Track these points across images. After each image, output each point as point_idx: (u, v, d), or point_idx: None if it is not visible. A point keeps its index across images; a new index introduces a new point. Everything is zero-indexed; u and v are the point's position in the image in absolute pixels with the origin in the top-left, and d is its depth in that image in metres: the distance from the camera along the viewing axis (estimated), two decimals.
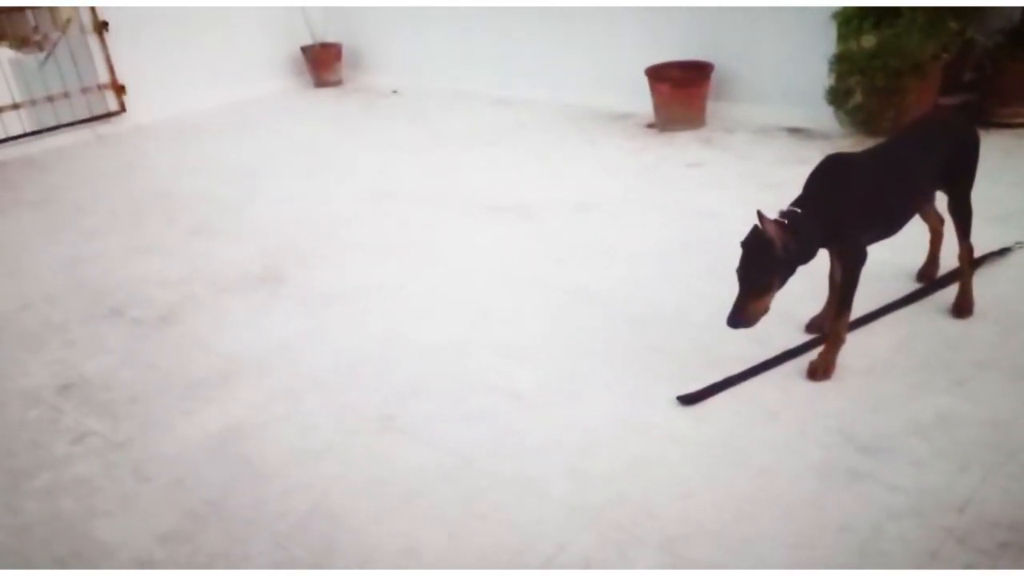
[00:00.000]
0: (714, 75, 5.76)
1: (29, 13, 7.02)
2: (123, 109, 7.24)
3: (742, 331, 2.77)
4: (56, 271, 4.46)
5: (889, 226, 2.95)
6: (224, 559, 2.35)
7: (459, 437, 2.78)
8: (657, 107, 5.88)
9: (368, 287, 3.94)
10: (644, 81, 5.86)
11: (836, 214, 2.75)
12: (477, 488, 2.53)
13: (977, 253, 3.24)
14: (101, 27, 6.98)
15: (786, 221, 2.66)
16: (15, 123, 6.76)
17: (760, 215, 2.59)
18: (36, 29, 7.02)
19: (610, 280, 3.75)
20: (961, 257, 3.16)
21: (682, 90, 5.76)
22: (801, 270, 2.72)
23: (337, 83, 8.24)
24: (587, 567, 2.20)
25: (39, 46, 7.02)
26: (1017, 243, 3.59)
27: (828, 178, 2.81)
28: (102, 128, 7.14)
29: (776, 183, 4.45)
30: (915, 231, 3.19)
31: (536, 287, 3.77)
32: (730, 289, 2.68)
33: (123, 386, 3.29)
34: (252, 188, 5.51)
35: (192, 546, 2.41)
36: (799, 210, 2.71)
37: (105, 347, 3.61)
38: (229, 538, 2.42)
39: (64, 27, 6.95)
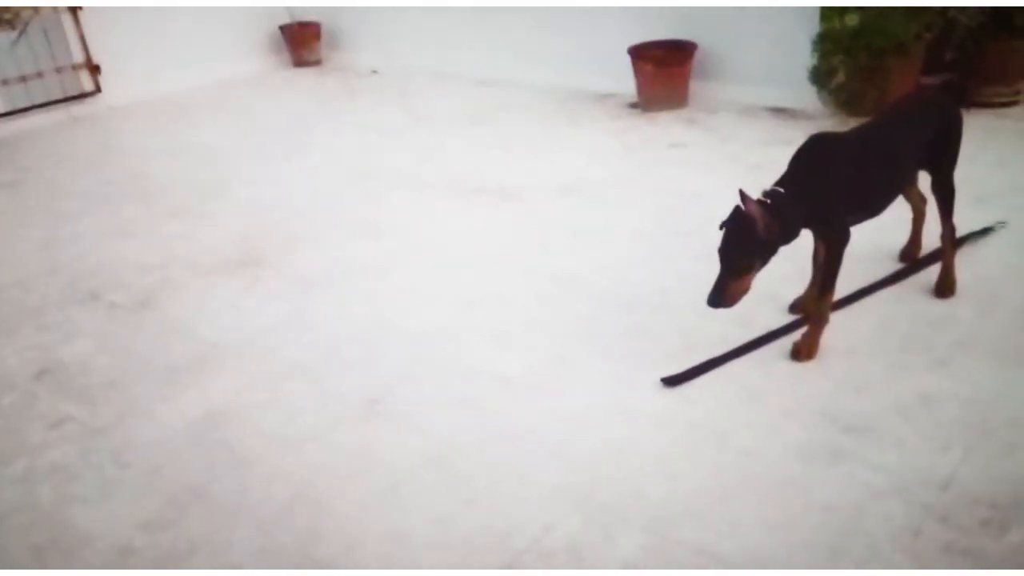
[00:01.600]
0: (697, 54, 5.73)
1: None
2: (98, 89, 7.11)
3: (726, 313, 2.76)
4: (30, 254, 4.38)
5: (873, 206, 2.95)
6: (207, 546, 2.32)
7: (444, 422, 2.76)
8: (640, 87, 5.85)
9: (350, 271, 3.90)
10: (627, 61, 5.82)
11: (820, 194, 2.75)
12: (462, 473, 2.52)
13: (959, 233, 3.25)
14: (75, 7, 6.84)
15: (768, 201, 2.65)
16: None
17: (742, 195, 2.58)
18: (7, 8, 6.86)
19: (594, 263, 3.74)
20: (943, 237, 3.17)
21: (665, 70, 5.73)
22: (784, 251, 2.71)
23: (316, 63, 8.13)
24: (573, 549, 2.20)
25: (11, 25, 6.85)
26: (999, 223, 3.61)
27: (812, 158, 2.80)
28: (77, 109, 7.01)
29: (759, 163, 4.44)
30: (898, 211, 3.19)
31: (520, 271, 3.75)
32: (714, 271, 2.67)
33: (100, 371, 3.24)
34: (230, 170, 5.43)
35: (174, 533, 2.38)
36: (782, 190, 2.70)
37: (82, 332, 3.55)
38: (212, 525, 2.40)
39: (36, 6, 6.80)
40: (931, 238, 3.30)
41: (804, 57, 5.04)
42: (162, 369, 3.21)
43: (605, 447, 2.57)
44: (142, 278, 3.98)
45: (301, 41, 8.05)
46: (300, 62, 8.11)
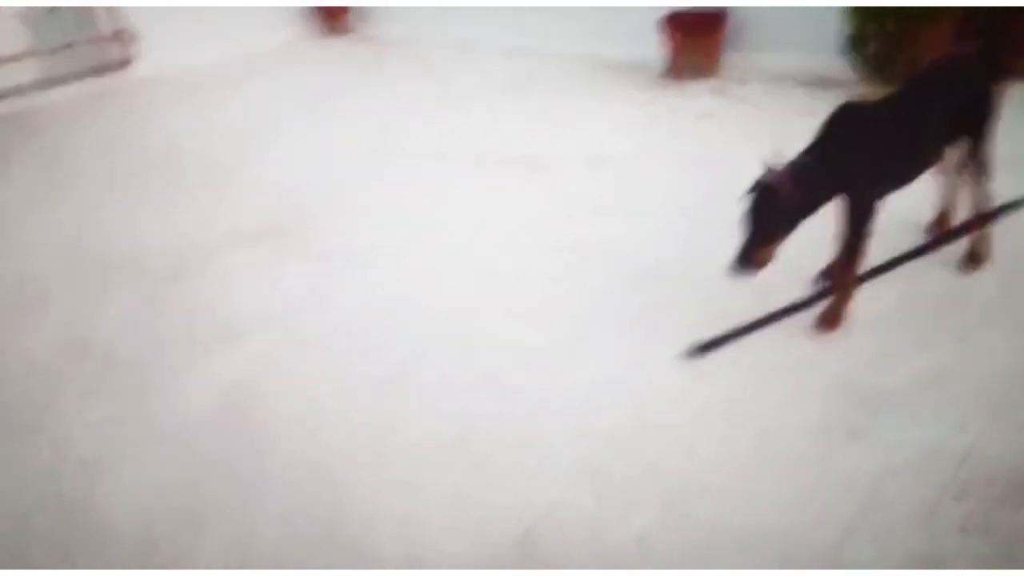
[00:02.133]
0: (728, 23, 5.62)
1: None
2: (130, 61, 7.17)
3: (750, 285, 2.75)
4: (59, 227, 4.45)
5: (903, 176, 2.89)
6: (229, 521, 2.38)
7: (464, 401, 2.77)
8: (670, 56, 5.76)
9: (374, 246, 3.92)
10: (654, 30, 5.73)
11: (848, 164, 2.70)
12: (482, 450, 2.54)
13: (991, 205, 3.18)
14: None
15: (794, 170, 2.61)
16: (22, 74, 6.70)
17: (767, 163, 2.55)
18: None
19: (619, 235, 3.72)
20: (975, 208, 3.10)
21: (695, 39, 5.62)
22: (811, 222, 2.68)
23: (346, 33, 8.12)
24: (589, 524, 2.22)
25: None
26: None
27: (840, 127, 2.75)
28: (107, 81, 7.08)
29: (790, 134, 4.31)
30: (926, 182, 3.12)
31: (545, 244, 3.74)
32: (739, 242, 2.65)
33: (127, 347, 3.29)
34: (259, 143, 5.46)
35: (195, 503, 2.44)
36: (808, 159, 2.66)
37: (108, 306, 3.61)
38: (233, 500, 2.44)
39: None
40: (962, 210, 3.23)
41: (835, 25, 4.92)
42: (189, 343, 3.26)
43: (623, 423, 2.58)
44: (168, 253, 4.03)
45: (332, 11, 8.04)
46: (330, 32, 8.11)
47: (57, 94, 6.82)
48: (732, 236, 2.66)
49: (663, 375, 2.77)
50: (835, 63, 5.10)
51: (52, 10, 6.80)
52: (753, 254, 2.64)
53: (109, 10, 6.98)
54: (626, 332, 3.02)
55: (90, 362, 3.22)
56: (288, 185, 4.73)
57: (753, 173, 2.64)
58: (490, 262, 3.65)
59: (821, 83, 5.21)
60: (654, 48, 5.82)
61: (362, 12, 8.09)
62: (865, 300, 2.91)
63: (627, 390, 2.73)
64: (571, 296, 3.30)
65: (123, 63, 7.15)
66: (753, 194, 2.64)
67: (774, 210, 2.60)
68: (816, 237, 2.93)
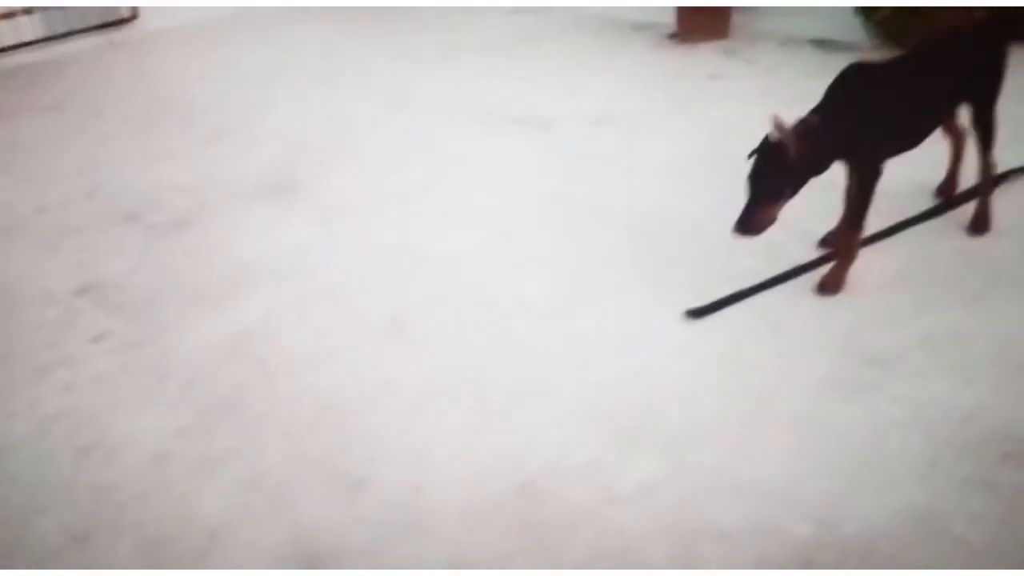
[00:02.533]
0: None
1: None
2: (136, 15, 7.12)
3: (755, 246, 2.76)
4: (71, 175, 4.46)
5: (910, 139, 2.89)
6: (238, 453, 2.42)
7: (467, 344, 2.81)
8: (680, 17, 5.71)
9: (380, 197, 3.93)
10: None
11: (853, 124, 2.70)
12: (484, 393, 2.58)
13: (999, 170, 3.18)
14: None
15: (801, 129, 2.61)
16: (27, 28, 6.67)
17: (775, 120, 2.55)
18: None
19: (625, 194, 3.72)
20: (982, 172, 3.10)
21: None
22: (816, 184, 2.68)
23: None
24: (590, 469, 2.25)
25: None
26: None
27: (848, 87, 2.74)
28: (115, 34, 7.03)
29: (800, 97, 4.26)
30: (935, 146, 3.12)
31: (550, 200, 3.75)
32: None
33: (138, 289, 3.33)
34: (266, 96, 5.44)
35: (207, 440, 2.48)
36: (816, 118, 2.65)
37: (120, 251, 3.64)
38: (243, 434, 2.49)
39: None
40: (969, 175, 3.23)
41: None
42: (197, 288, 3.29)
43: (626, 373, 2.61)
44: (178, 200, 4.05)
45: None
46: None
47: (66, 47, 6.78)
48: (738, 196, 2.67)
49: (666, 329, 2.79)
50: (847, 26, 5.06)
51: None
52: (757, 214, 2.65)
53: None
54: (630, 287, 3.04)
55: (101, 303, 3.24)
56: (295, 136, 4.73)
57: (760, 134, 2.64)
58: (495, 216, 3.66)
59: (832, 46, 5.17)
60: (664, 8, 5.77)
61: None
62: (872, 262, 2.92)
63: (630, 342, 2.75)
64: (575, 251, 3.32)
65: (130, 16, 7.10)
66: (759, 153, 2.63)
67: (780, 169, 2.60)
68: (824, 200, 2.93)
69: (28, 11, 6.65)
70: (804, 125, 2.63)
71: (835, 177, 2.75)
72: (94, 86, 5.95)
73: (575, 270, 3.19)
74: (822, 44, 5.25)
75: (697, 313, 2.85)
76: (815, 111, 2.71)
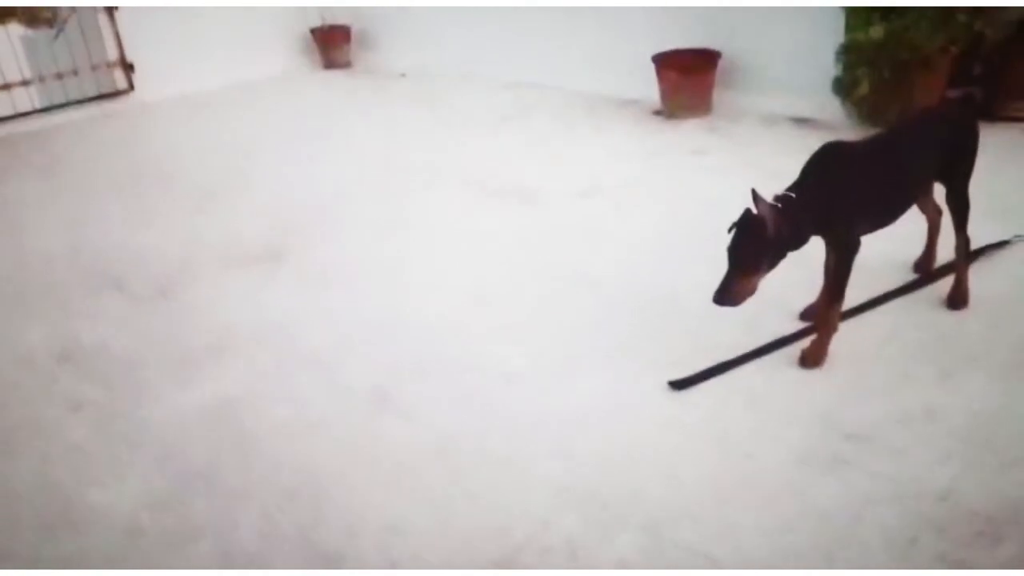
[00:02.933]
0: (721, 63, 5.74)
1: None
2: (131, 87, 7.26)
3: (735, 318, 2.78)
4: (58, 238, 4.49)
5: (885, 216, 2.94)
6: (212, 528, 2.38)
7: (449, 416, 2.80)
8: (664, 94, 5.86)
9: (368, 266, 3.96)
10: (652, 68, 5.84)
11: (831, 201, 2.75)
12: (465, 467, 2.56)
13: (975, 246, 3.24)
14: (111, 7, 6.99)
15: (780, 204, 2.66)
16: (24, 99, 6.80)
17: (755, 194, 2.60)
18: (47, 7, 7.04)
19: (608, 265, 3.76)
20: (957, 249, 3.15)
21: (689, 77, 5.73)
22: (796, 258, 2.72)
23: (346, 64, 8.24)
24: (570, 546, 2.22)
25: (49, 23, 7.04)
26: (1016, 236, 3.58)
27: (825, 164, 2.81)
28: (110, 105, 7.17)
29: (780, 172, 4.36)
30: (913, 222, 3.18)
31: (535, 270, 3.78)
32: None
33: (118, 355, 3.32)
34: (256, 166, 5.53)
35: (181, 514, 2.44)
36: (794, 194, 2.71)
37: (102, 315, 3.64)
38: (217, 508, 2.45)
39: (74, 5, 6.97)
40: (947, 250, 3.28)
41: (827, 68, 5.03)
42: (178, 356, 3.28)
43: (607, 447, 2.59)
44: (163, 266, 4.08)
45: (331, 43, 8.16)
46: (330, 64, 8.23)
47: (62, 117, 6.90)
48: (721, 269, 2.70)
49: (648, 402, 2.79)
50: (826, 105, 5.20)
51: (56, 37, 6.90)
52: (736, 285, 2.68)
53: (111, 38, 7.07)
54: (612, 358, 3.05)
55: (79, 370, 3.23)
56: (284, 205, 4.79)
57: (742, 207, 2.69)
58: (479, 285, 3.69)
59: (811, 124, 5.30)
60: (649, 86, 5.92)
61: (363, 43, 8.21)
62: (849, 336, 2.94)
63: (611, 414, 2.75)
64: (558, 321, 3.34)
65: (125, 89, 7.24)
66: (739, 226, 2.68)
67: (759, 242, 2.65)
68: (804, 273, 2.97)
69: (26, 82, 6.78)
70: (782, 200, 2.69)
71: (815, 251, 2.79)
72: (85, 154, 6.05)
73: (558, 341, 3.20)
74: (801, 122, 5.38)
75: (679, 385, 2.85)
76: (793, 187, 2.77)
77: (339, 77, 7.95)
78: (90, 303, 3.77)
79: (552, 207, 4.50)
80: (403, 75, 7.74)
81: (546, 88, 6.75)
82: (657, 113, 5.92)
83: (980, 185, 3.07)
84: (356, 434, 2.75)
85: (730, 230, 2.70)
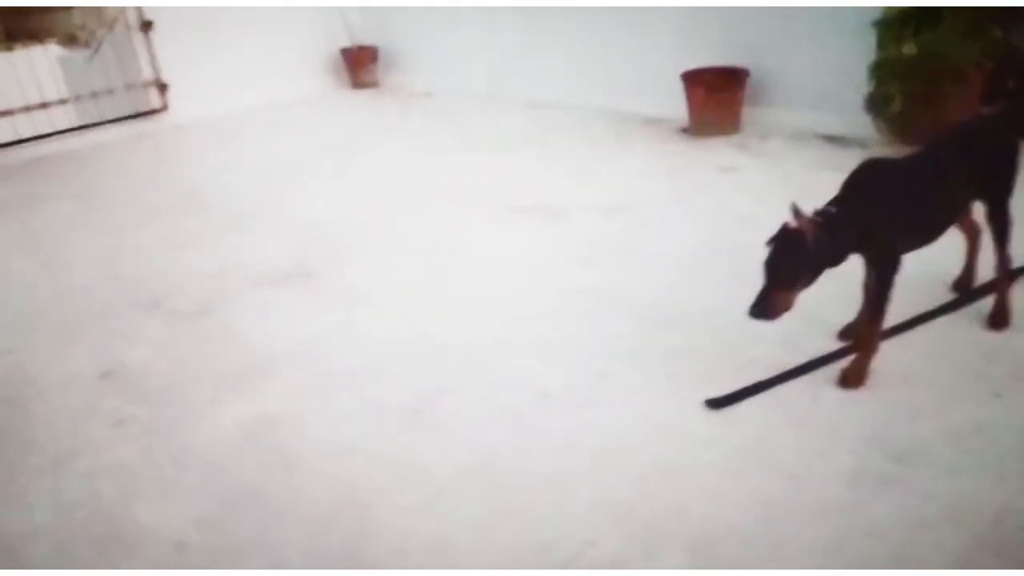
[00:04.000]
0: (750, 80, 5.74)
1: (76, 11, 7.19)
2: (165, 107, 7.38)
3: (773, 336, 2.77)
4: (95, 261, 4.56)
5: (925, 234, 2.92)
6: (258, 545, 2.39)
7: (487, 434, 2.80)
8: (691, 112, 5.87)
9: (397, 285, 3.98)
10: (678, 85, 5.86)
11: (870, 218, 2.74)
12: (504, 485, 2.55)
13: (1016, 264, 3.20)
14: (146, 26, 7.12)
15: (820, 219, 2.65)
16: (61, 118, 6.92)
17: (795, 208, 2.60)
18: (83, 27, 7.19)
19: (639, 283, 3.76)
20: (998, 267, 3.12)
21: (717, 95, 5.74)
22: (836, 276, 2.71)
23: (373, 85, 8.33)
24: (614, 566, 2.21)
25: (86, 43, 7.18)
26: None
27: (864, 182, 2.80)
28: (144, 125, 7.28)
29: (810, 190, 4.34)
30: (953, 240, 3.16)
31: (565, 289, 3.78)
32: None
33: (160, 375, 3.36)
34: (286, 186, 5.59)
35: (227, 531, 2.46)
36: (834, 210, 2.70)
37: (143, 337, 3.69)
38: (263, 525, 2.47)
39: (110, 25, 7.10)
40: (987, 268, 3.25)
41: (858, 84, 5.01)
42: (217, 375, 3.31)
43: (647, 465, 2.58)
44: (200, 287, 4.12)
45: (359, 64, 8.26)
46: (358, 84, 8.32)
47: (97, 136, 7.01)
48: (753, 286, 2.69)
49: (686, 420, 2.78)
50: (857, 122, 5.18)
51: (92, 56, 7.03)
52: (773, 299, 2.67)
53: (145, 57, 7.20)
54: (647, 377, 3.04)
55: (122, 390, 3.27)
56: (315, 225, 4.83)
57: (774, 224, 2.68)
58: (509, 304, 3.69)
59: (842, 142, 5.29)
60: (676, 104, 5.94)
61: (389, 64, 8.29)
62: (892, 355, 2.92)
63: (649, 433, 2.73)
64: (590, 339, 3.33)
65: (159, 109, 7.35)
66: (777, 240, 2.68)
67: (798, 255, 2.63)
68: (843, 291, 2.96)
69: (63, 102, 6.91)
70: (822, 215, 2.68)
71: (854, 269, 2.78)
72: (122, 175, 6.15)
73: (591, 360, 3.19)
74: (832, 140, 5.37)
75: (718, 403, 2.84)
76: (833, 203, 2.76)
77: (366, 97, 8.03)
78: (130, 324, 3.81)
79: (581, 226, 4.50)
80: (429, 94, 7.80)
81: (571, 107, 6.77)
82: (684, 131, 5.93)
83: (1016, 201, 3.04)
84: (394, 452, 2.75)
85: (768, 244, 2.69)
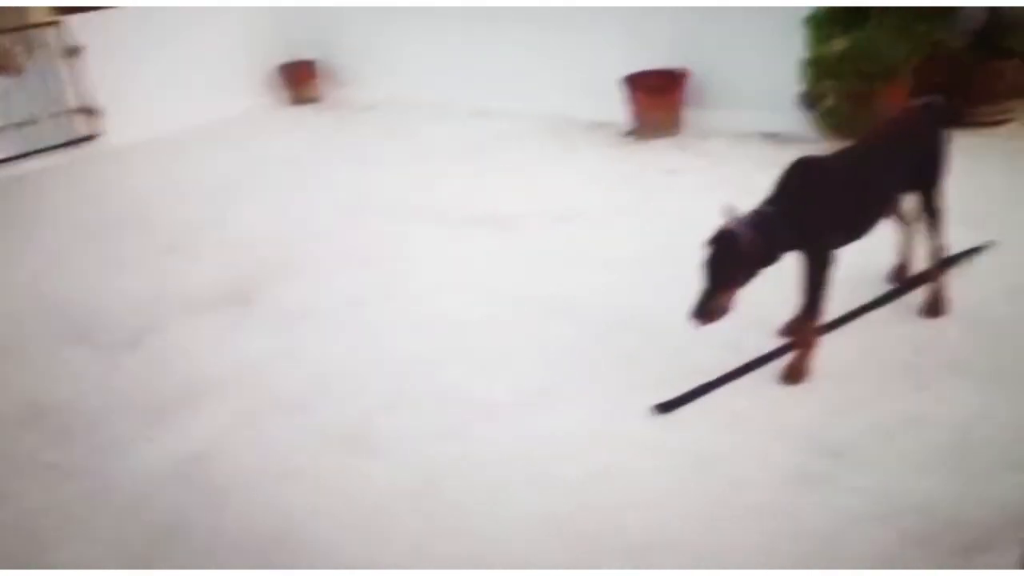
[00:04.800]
0: (689, 82, 5.76)
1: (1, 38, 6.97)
2: (98, 132, 7.17)
3: (716, 337, 2.76)
4: (21, 291, 4.39)
5: (859, 228, 2.94)
6: None
7: (430, 451, 2.75)
8: (634, 115, 5.88)
9: (342, 302, 3.90)
10: (620, 90, 5.86)
11: (805, 216, 2.75)
12: (444, 500, 2.51)
13: (948, 253, 3.23)
14: (71, 52, 6.92)
15: (752, 219, 2.65)
16: None
17: (727, 211, 2.59)
18: (8, 54, 6.96)
19: (586, 289, 3.73)
20: (932, 257, 3.15)
21: (658, 98, 5.75)
22: (774, 274, 2.70)
23: (314, 99, 8.20)
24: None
25: (12, 71, 6.96)
26: (988, 242, 3.58)
27: (795, 181, 2.81)
28: (75, 152, 7.06)
29: (752, 188, 4.36)
30: (887, 232, 3.17)
31: (512, 298, 3.74)
32: None
33: (85, 412, 3.23)
34: (226, 206, 5.46)
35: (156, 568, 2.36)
36: (767, 209, 2.70)
37: (67, 371, 3.55)
38: (190, 562, 2.37)
39: (35, 51, 6.90)
40: (921, 260, 3.28)
41: (794, 82, 5.05)
42: (146, 408, 3.19)
43: (589, 473, 2.55)
44: (131, 315, 3.98)
45: (298, 78, 8.12)
46: (298, 100, 8.18)
47: (26, 166, 6.78)
48: (694, 289, 2.68)
49: (630, 426, 2.75)
50: (794, 120, 5.22)
51: (18, 84, 6.81)
52: (712, 301, 2.66)
53: (75, 84, 7.00)
54: (593, 384, 3.01)
55: (45, 425, 3.15)
56: (255, 244, 4.72)
57: (715, 224, 2.67)
58: (457, 316, 3.64)
59: (780, 139, 5.32)
60: (620, 107, 5.94)
61: (330, 78, 8.19)
62: (828, 350, 2.92)
63: (593, 441, 2.71)
64: (538, 349, 3.30)
65: (91, 135, 7.15)
66: (713, 242, 2.66)
67: (734, 257, 2.64)
68: (781, 289, 2.95)
69: None
70: (755, 215, 2.68)
71: (791, 267, 2.77)
72: (52, 202, 5.96)
73: (537, 368, 3.16)
74: (771, 137, 5.40)
75: (665, 408, 2.81)
76: (766, 202, 2.76)
77: (307, 113, 7.91)
78: (55, 358, 3.67)
79: (528, 234, 4.47)
80: (372, 107, 7.71)
81: (516, 115, 6.72)
82: (628, 134, 5.92)
83: (951, 192, 3.07)
84: (332, 478, 2.68)
85: (706, 246, 2.68)
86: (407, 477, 2.63)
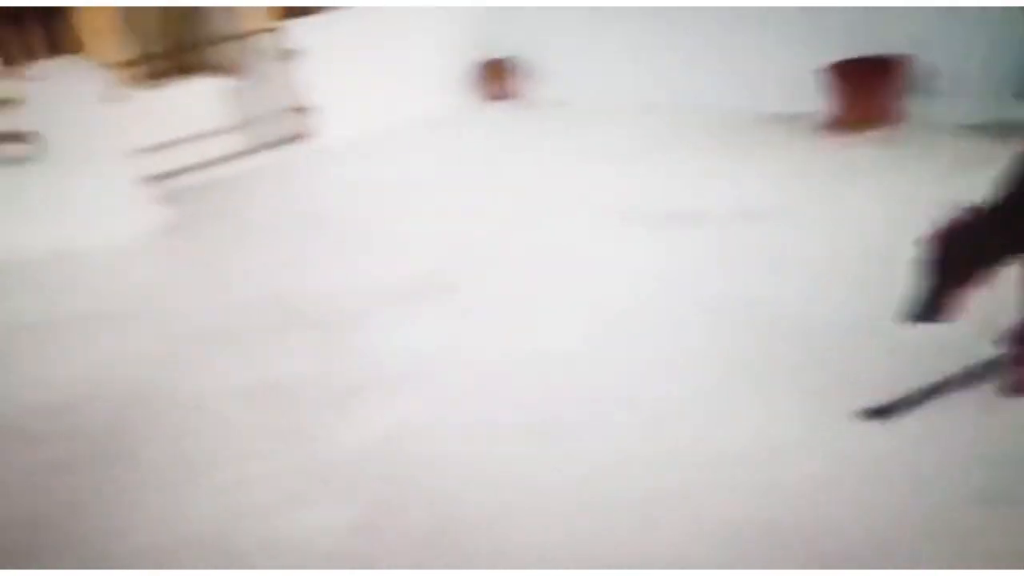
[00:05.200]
0: (900, 71, 5.40)
1: (226, 43, 7.68)
2: (310, 132, 7.74)
3: (936, 344, 2.67)
4: (236, 282, 4.78)
5: None
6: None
7: (615, 450, 2.80)
8: (832, 107, 5.61)
9: (533, 298, 4.02)
10: (816, 80, 5.60)
11: None
12: (626, 498, 2.56)
13: None
14: (288, 54, 7.50)
15: (987, 212, 2.50)
16: (213, 148, 7.35)
17: (953, 206, 2.46)
18: (232, 59, 7.66)
19: (783, 288, 3.64)
20: None
21: (862, 88, 5.46)
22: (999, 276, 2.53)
23: (509, 97, 8.44)
24: None
25: (235, 74, 7.65)
26: None
27: (1019, 178, 2.60)
28: (289, 150, 7.64)
29: (964, 187, 4.12)
30: None
31: (699, 299, 3.71)
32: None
33: (295, 392, 3.49)
34: (422, 203, 5.69)
35: (375, 539, 2.56)
36: (1001, 202, 2.52)
37: (278, 353, 3.84)
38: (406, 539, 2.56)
39: (254, 55, 7.54)
40: None
41: (1018, 71, 4.63)
42: (352, 390, 3.42)
43: (795, 481, 2.52)
44: (337, 303, 4.26)
45: (495, 77, 8.40)
46: (495, 97, 8.46)
47: (243, 164, 7.41)
48: (902, 291, 2.57)
49: (838, 433, 2.68)
50: (1016, 111, 4.77)
51: (238, 87, 7.47)
52: (941, 300, 2.53)
53: (290, 86, 7.59)
54: (802, 389, 2.93)
55: (259, 407, 3.42)
56: (443, 241, 4.92)
57: (926, 225, 2.54)
58: (643, 316, 3.66)
59: (1001, 131, 4.88)
60: (812, 99, 5.68)
61: (525, 76, 8.39)
62: None
63: (798, 448, 2.65)
64: (735, 351, 3.25)
65: (304, 134, 7.73)
66: (944, 235, 2.53)
67: (971, 250, 2.49)
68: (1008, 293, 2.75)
69: (214, 133, 7.34)
70: (990, 207, 2.51)
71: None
72: (267, 197, 6.48)
73: (735, 371, 3.12)
74: (988, 129, 4.96)
75: (876, 414, 2.71)
76: (997, 196, 2.57)
77: (502, 109, 8.14)
78: (271, 341, 3.96)
79: (717, 232, 4.39)
80: (562, 104, 7.84)
81: (700, 109, 6.57)
82: (827, 127, 5.66)
83: None
84: (523, 470, 2.79)
85: (924, 243, 2.55)
86: (594, 472, 2.70)
